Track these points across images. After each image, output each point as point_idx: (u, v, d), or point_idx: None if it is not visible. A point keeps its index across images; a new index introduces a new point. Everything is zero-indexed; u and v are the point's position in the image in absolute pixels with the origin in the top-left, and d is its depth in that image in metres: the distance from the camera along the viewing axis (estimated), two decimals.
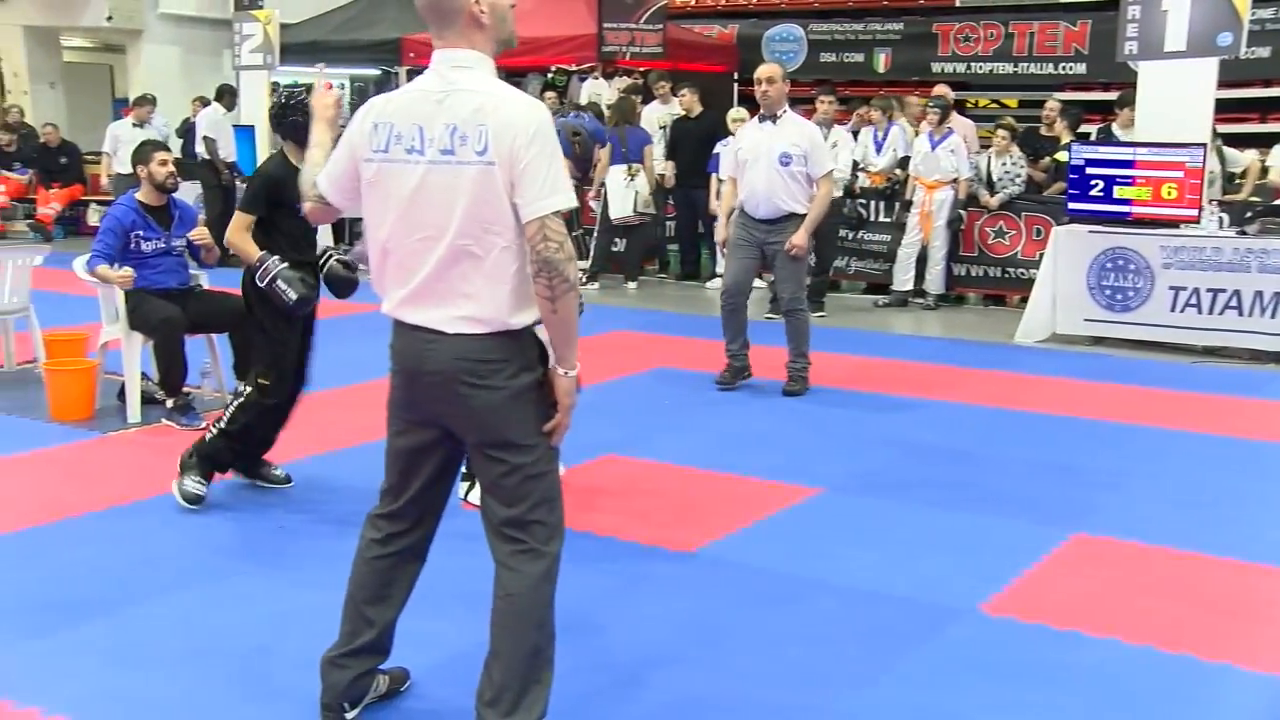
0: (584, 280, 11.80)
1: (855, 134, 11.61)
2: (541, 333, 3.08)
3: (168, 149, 6.97)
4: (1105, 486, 5.67)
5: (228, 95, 13.89)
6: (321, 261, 5.33)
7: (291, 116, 5.08)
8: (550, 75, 15.25)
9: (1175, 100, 9.15)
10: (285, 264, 5.11)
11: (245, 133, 13.42)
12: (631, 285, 11.82)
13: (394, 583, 3.33)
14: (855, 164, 11.22)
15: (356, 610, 3.32)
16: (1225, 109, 10.31)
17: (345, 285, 5.37)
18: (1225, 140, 10.79)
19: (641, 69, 13.59)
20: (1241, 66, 10.35)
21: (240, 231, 5.17)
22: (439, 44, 3.05)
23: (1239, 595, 4.43)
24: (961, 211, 10.83)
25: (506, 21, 3.09)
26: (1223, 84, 9.42)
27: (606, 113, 12.10)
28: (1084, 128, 11.60)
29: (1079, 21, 13.81)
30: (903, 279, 11.03)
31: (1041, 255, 9.65)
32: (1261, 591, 4.48)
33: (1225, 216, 9.06)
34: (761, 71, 7.48)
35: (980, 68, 14.53)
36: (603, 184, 11.48)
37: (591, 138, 6.36)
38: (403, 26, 15.20)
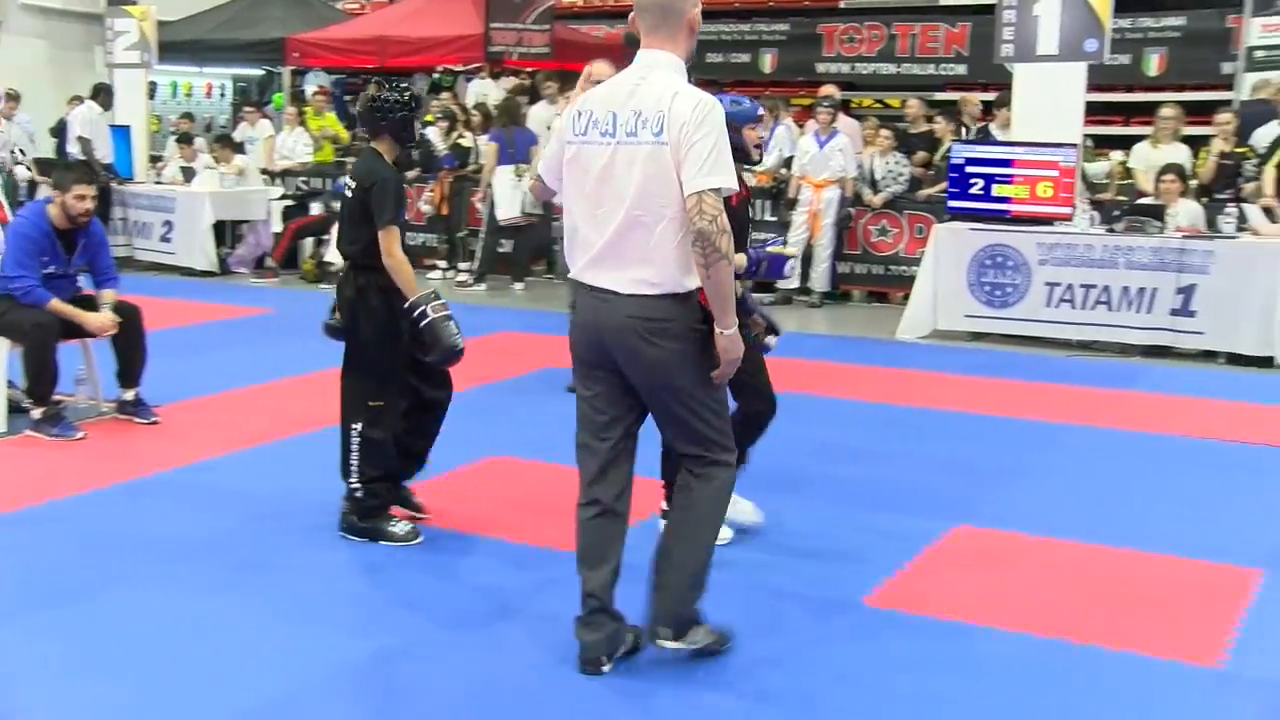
0: (471, 282, 11.74)
1: None
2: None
3: (90, 180, 6.51)
4: (986, 479, 5.80)
5: (104, 94, 13.50)
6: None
7: (398, 111, 4.72)
8: (437, 76, 15.16)
9: (1049, 102, 9.42)
10: (446, 309, 4.69)
11: (121, 133, 13.06)
12: (519, 286, 11.78)
13: (610, 541, 3.71)
14: None
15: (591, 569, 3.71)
16: (1093, 111, 10.64)
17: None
18: (1094, 141, 11.14)
19: (529, 69, 13.55)
20: (1107, 71, 10.72)
21: (398, 246, 4.68)
22: (647, 43, 3.55)
23: (1117, 582, 4.56)
24: (850, 210, 10.99)
25: (695, 38, 3.63)
26: (1091, 87, 9.73)
27: (493, 113, 12.05)
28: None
29: (959, 24, 14.14)
30: (792, 277, 11.14)
31: (923, 253, 9.84)
32: (1138, 577, 4.63)
33: (1096, 215, 9.35)
34: (601, 70, 7.27)
35: (864, 68, 14.79)
36: (489, 185, 11.43)
37: None
38: (287, 26, 14.99)
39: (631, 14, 3.66)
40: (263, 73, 16.17)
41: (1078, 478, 5.83)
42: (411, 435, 4.97)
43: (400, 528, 4.83)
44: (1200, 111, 11.71)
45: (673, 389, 3.53)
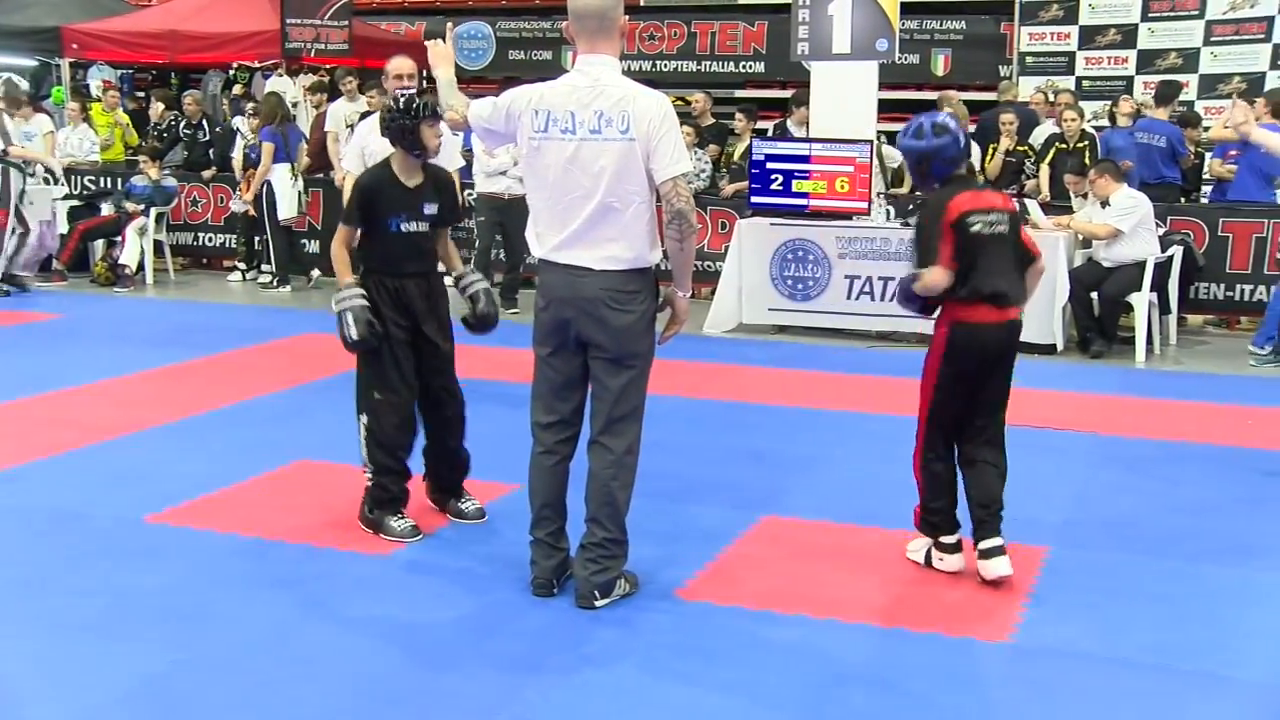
0: (274, 284, 11.44)
1: None
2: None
3: None
4: (793, 469, 5.95)
5: None
6: (467, 289, 5.03)
7: (400, 120, 4.73)
8: (232, 72, 14.69)
9: (844, 99, 9.72)
10: (363, 301, 4.73)
11: None
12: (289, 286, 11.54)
13: (564, 481, 4.28)
14: None
15: (546, 509, 4.27)
16: (885, 109, 11.01)
17: (485, 324, 5.06)
18: (887, 138, 11.53)
19: (327, 66, 13.27)
20: (898, 70, 11.15)
21: (339, 245, 4.86)
22: (586, 49, 4.06)
23: (917, 565, 4.73)
24: None
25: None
26: (883, 86, 10.09)
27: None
28: (762, 124, 12.12)
29: (757, 22, 14.44)
30: None
31: (727, 248, 10.01)
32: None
33: (891, 209, 9.68)
34: (401, 66, 7.16)
35: (665, 65, 14.96)
36: (265, 184, 11.19)
37: None
38: (62, 14, 14.21)
39: (565, 23, 4.10)
40: (36, 64, 15.29)
41: (879, 465, 6.02)
42: (433, 456, 5.16)
43: (401, 524, 4.89)
44: (982, 110, 12.28)
45: (635, 353, 4.08)
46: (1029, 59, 12.97)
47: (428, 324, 4.90)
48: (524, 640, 4.00)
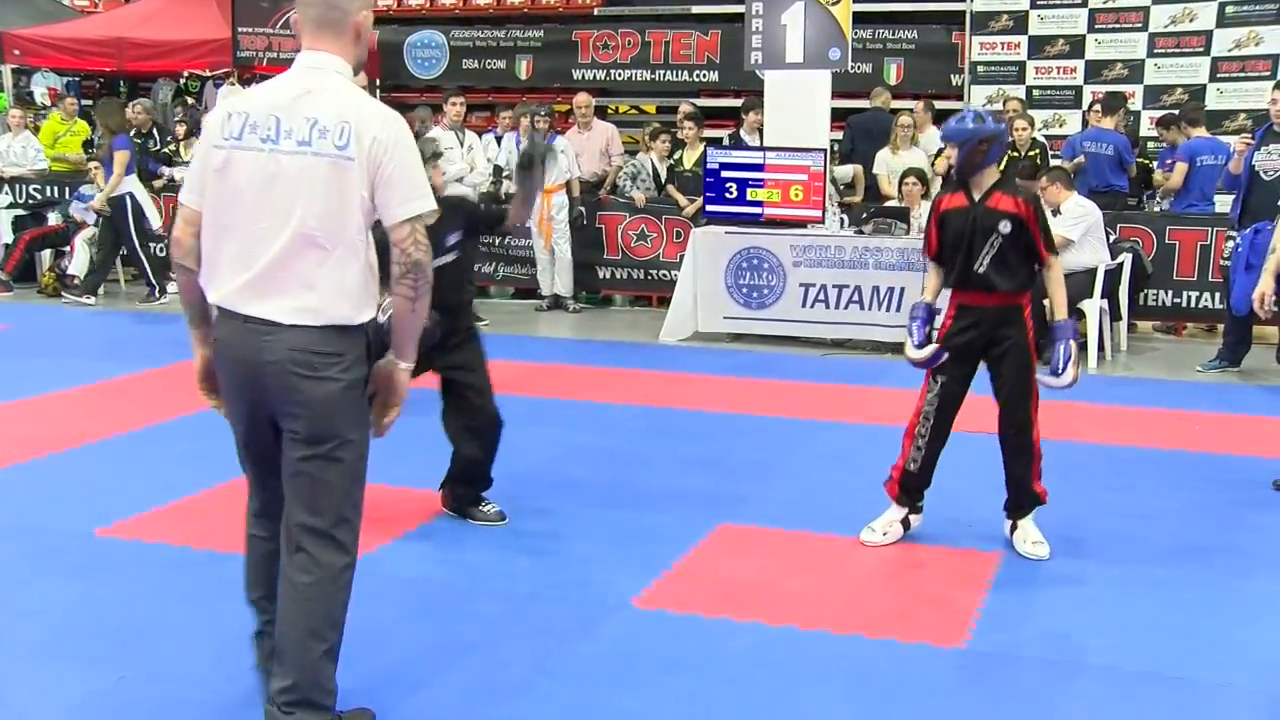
0: (152, 296, 11.27)
1: (499, 139, 11.70)
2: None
3: None
4: (748, 477, 5.96)
5: None
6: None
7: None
8: (183, 81, 14.56)
9: (797, 108, 9.77)
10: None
11: None
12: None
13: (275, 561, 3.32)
14: (499, 169, 11.29)
15: (256, 587, 3.45)
16: (838, 118, 11.10)
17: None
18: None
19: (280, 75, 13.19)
20: (851, 79, 11.23)
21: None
22: (310, 46, 3.18)
23: (872, 571, 4.76)
24: (582, 209, 11.08)
25: (366, 46, 3.29)
26: (836, 94, 10.15)
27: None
28: (716, 132, 12.15)
29: (711, 31, 14.45)
30: (548, 283, 11.19)
31: (682, 256, 10.02)
32: (891, 566, 4.84)
33: (845, 217, 9.74)
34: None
35: (619, 74, 14.96)
36: (127, 195, 11.11)
37: None
38: (3, 20, 14.00)
39: (294, 13, 3.47)
40: None
41: (833, 472, 6.05)
42: (459, 471, 5.26)
43: (491, 509, 5.21)
44: (936, 119, 12.37)
45: (338, 436, 3.13)
46: (980, 68, 13.09)
47: (450, 356, 5.00)
48: (479, 651, 3.98)
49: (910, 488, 5.06)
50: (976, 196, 4.83)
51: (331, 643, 3.22)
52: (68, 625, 4.13)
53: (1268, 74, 11.77)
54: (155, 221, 11.26)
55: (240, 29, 12.56)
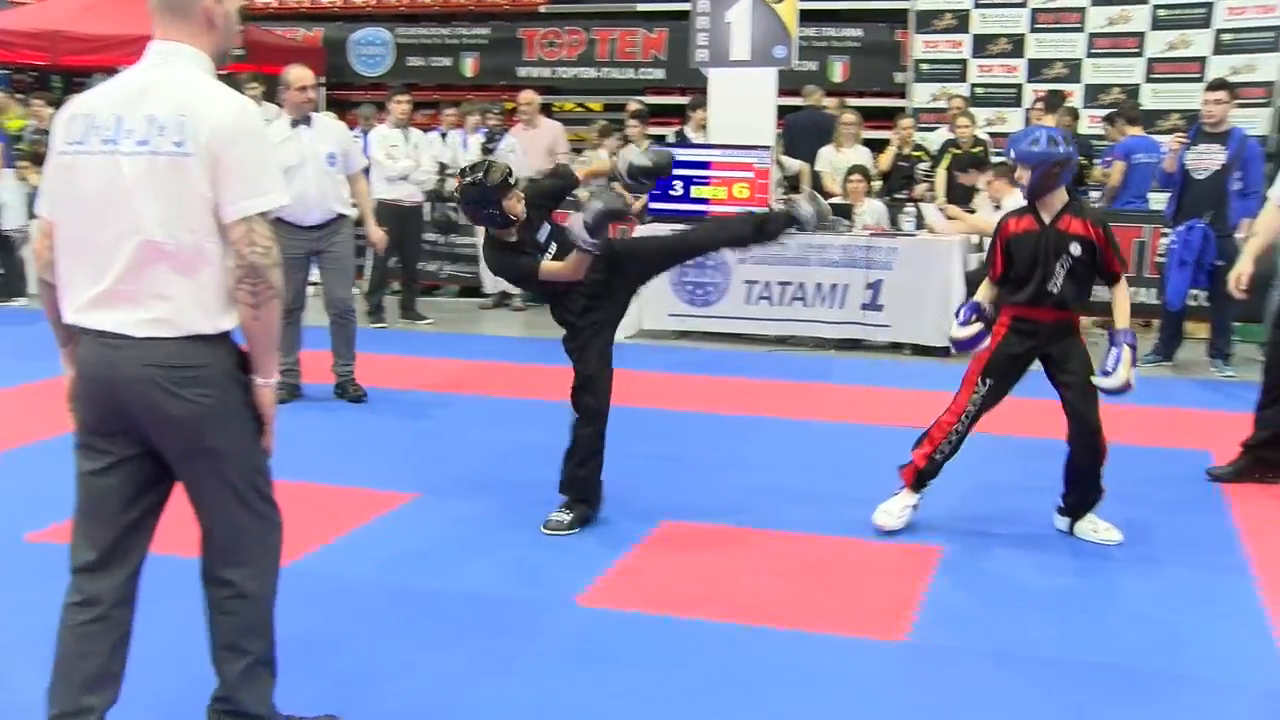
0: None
1: (444, 136, 11.64)
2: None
3: None
4: (690, 474, 5.96)
5: None
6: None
7: (487, 210, 4.91)
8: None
9: (743, 106, 9.80)
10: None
11: None
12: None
13: (110, 653, 3.02)
14: (443, 167, 11.23)
15: (70, 695, 2.98)
16: (784, 116, 11.14)
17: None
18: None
19: (221, 72, 13.02)
20: (797, 77, 11.25)
21: (552, 267, 4.98)
22: (159, 34, 2.94)
23: (814, 567, 4.78)
24: None
25: (231, 32, 3.04)
26: (782, 92, 10.18)
27: None
28: (664, 130, 12.17)
29: (656, 29, 14.48)
30: (491, 281, 11.14)
31: None
32: (833, 561, 4.86)
33: None
34: (303, 76, 7.24)
35: (565, 72, 14.95)
36: None
37: None
38: None
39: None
40: None
41: (776, 468, 6.07)
42: None
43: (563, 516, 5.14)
44: (878, 117, 12.47)
45: (211, 452, 2.91)
46: (924, 66, 13.20)
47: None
48: (423, 653, 3.95)
49: (927, 477, 5.25)
50: (1046, 219, 4.95)
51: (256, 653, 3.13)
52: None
53: (1198, 75, 11.97)
54: (15, 221, 11.00)
55: None
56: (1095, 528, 5.12)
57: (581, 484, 5.14)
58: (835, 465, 6.15)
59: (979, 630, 4.17)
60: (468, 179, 4.92)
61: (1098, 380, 4.96)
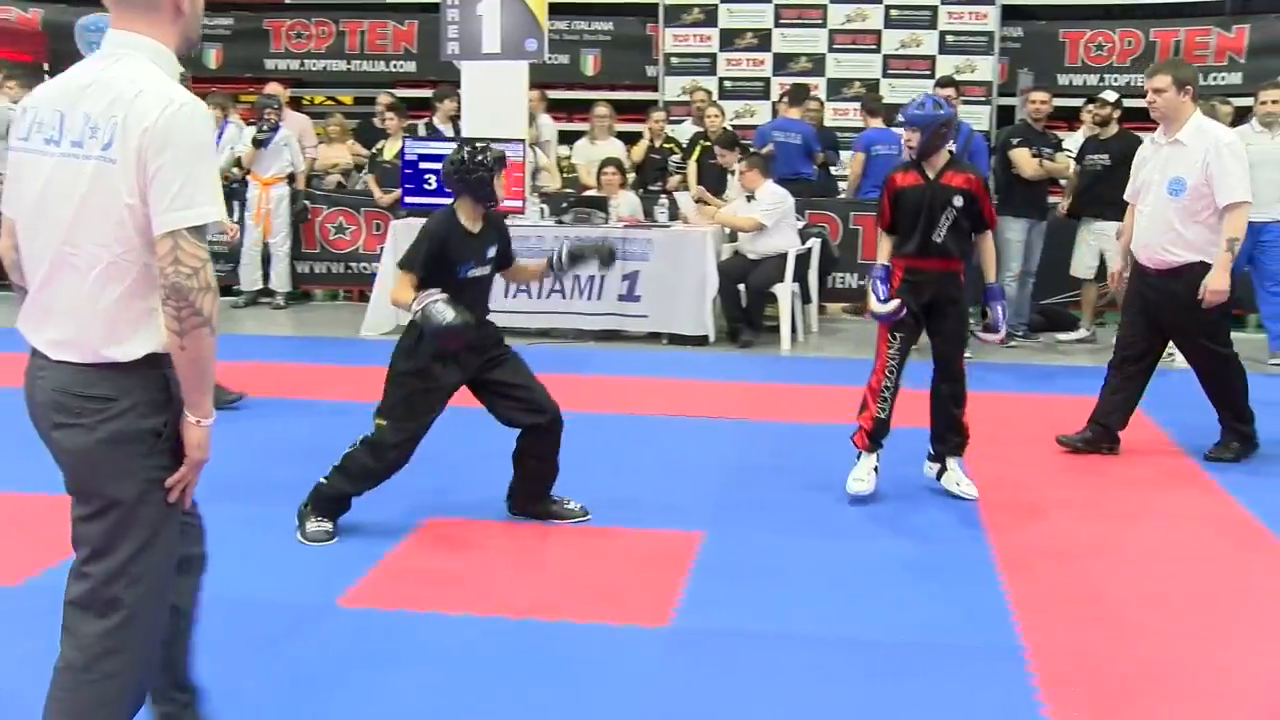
0: None
1: None
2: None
3: None
4: (452, 469, 5.90)
5: None
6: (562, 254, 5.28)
7: (477, 172, 4.87)
8: None
9: (495, 99, 9.76)
10: (443, 294, 4.67)
11: None
12: None
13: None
14: None
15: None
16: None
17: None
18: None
19: None
20: (549, 70, 11.33)
21: (403, 291, 4.80)
22: (116, 24, 2.64)
23: (579, 557, 4.81)
24: (306, 203, 10.80)
25: (199, 20, 2.75)
26: (534, 85, 10.21)
27: None
28: (413, 122, 12.01)
29: (407, 22, 14.29)
30: (251, 278, 10.79)
31: (382, 249, 9.84)
32: (598, 551, 4.90)
33: (546, 207, 9.79)
34: None
35: (314, 65, 14.59)
36: None
37: None
38: None
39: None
40: None
41: None
42: (525, 471, 5.18)
43: (319, 527, 4.93)
44: (631, 110, 12.64)
45: (104, 494, 2.61)
46: (674, 60, 13.45)
47: (493, 367, 5.04)
48: None
49: (878, 435, 5.55)
50: (931, 175, 5.41)
51: None
52: None
53: (929, 73, 12.64)
54: None
55: None
56: (958, 481, 5.57)
57: (332, 504, 5.00)
58: (597, 457, 6.19)
59: (740, 613, 4.28)
60: (469, 149, 4.96)
61: (984, 335, 5.58)
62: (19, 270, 2.76)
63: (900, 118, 5.56)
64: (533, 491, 5.20)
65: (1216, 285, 5.89)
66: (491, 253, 5.05)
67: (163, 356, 2.60)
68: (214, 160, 2.67)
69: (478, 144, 5.03)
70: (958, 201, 5.34)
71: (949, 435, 5.61)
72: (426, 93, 13.26)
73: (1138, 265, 6.26)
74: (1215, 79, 13.01)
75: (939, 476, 5.66)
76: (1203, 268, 5.93)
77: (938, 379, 5.60)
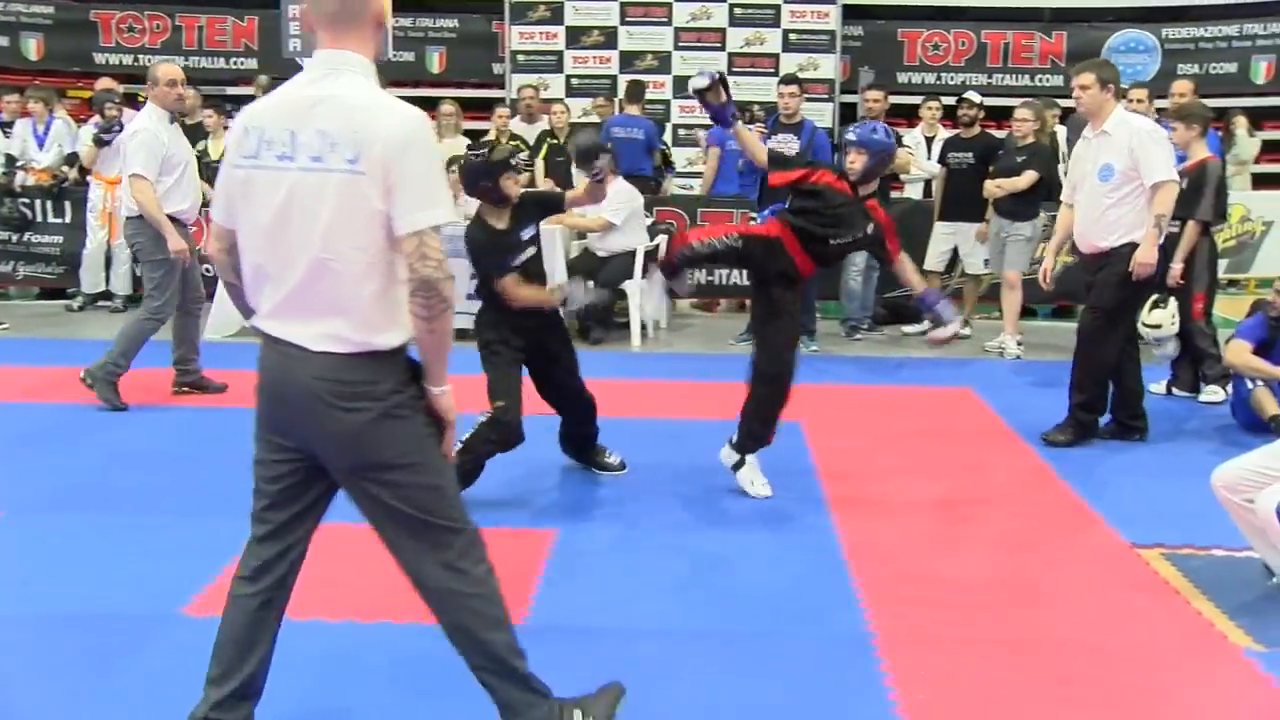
0: None
1: (7, 127, 10.74)
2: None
3: None
4: None
5: None
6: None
7: (482, 182, 5.13)
8: None
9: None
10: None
11: None
12: None
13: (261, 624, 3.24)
14: (11, 159, 10.37)
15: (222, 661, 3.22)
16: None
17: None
18: None
19: None
20: (394, 68, 11.20)
21: (518, 290, 5.24)
22: (328, 44, 2.93)
23: None
24: None
25: (385, 28, 3.12)
26: (381, 83, 10.04)
27: None
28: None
29: (247, 17, 13.98)
30: (93, 281, 10.42)
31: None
32: None
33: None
34: (172, 71, 6.91)
35: (149, 60, 14.12)
36: None
37: None
38: None
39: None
40: None
41: None
42: (571, 438, 5.88)
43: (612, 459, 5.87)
44: (478, 107, 12.57)
45: (378, 466, 2.98)
46: (520, 57, 13.42)
47: (549, 338, 5.48)
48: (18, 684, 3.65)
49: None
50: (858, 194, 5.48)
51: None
52: None
53: (773, 70, 12.88)
54: None
55: None
56: (753, 480, 5.63)
57: None
58: None
59: (595, 608, 4.32)
60: (473, 153, 5.32)
61: (936, 334, 5.62)
62: (232, 271, 3.08)
63: (849, 136, 5.65)
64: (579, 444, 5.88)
65: (1144, 258, 6.26)
66: (528, 233, 5.30)
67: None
68: (442, 164, 3.07)
69: (489, 153, 5.27)
70: (869, 228, 5.40)
71: (750, 429, 5.63)
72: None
73: (1082, 257, 6.63)
74: (1041, 80, 13.61)
75: (734, 469, 5.69)
76: (1133, 248, 6.29)
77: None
